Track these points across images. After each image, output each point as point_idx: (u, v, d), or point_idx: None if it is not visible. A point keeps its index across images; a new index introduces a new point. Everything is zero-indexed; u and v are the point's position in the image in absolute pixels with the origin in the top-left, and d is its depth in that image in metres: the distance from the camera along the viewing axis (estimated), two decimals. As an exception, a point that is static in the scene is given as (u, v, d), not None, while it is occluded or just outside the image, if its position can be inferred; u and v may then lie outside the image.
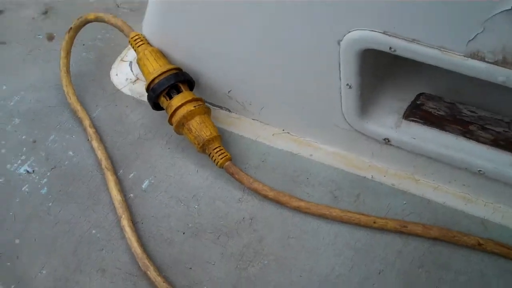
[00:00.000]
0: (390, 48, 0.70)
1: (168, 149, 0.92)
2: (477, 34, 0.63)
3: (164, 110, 0.89)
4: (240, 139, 0.92)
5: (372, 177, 0.87)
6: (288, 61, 0.82)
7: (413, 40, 0.68)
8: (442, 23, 0.65)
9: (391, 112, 0.83)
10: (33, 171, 0.90)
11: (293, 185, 0.87)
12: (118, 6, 1.17)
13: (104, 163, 0.88)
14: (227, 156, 0.86)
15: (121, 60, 1.04)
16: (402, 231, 0.80)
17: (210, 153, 0.86)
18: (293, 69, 0.83)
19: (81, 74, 1.02)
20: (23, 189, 0.88)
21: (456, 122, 0.79)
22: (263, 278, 0.78)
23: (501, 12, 0.61)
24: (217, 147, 0.86)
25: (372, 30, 0.70)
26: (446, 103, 0.81)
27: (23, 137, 0.94)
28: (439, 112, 0.80)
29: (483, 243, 0.78)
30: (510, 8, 0.60)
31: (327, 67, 0.78)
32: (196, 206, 0.85)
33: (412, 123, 0.81)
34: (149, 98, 0.89)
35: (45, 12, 1.17)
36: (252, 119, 0.94)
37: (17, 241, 0.82)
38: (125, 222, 0.81)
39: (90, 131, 0.92)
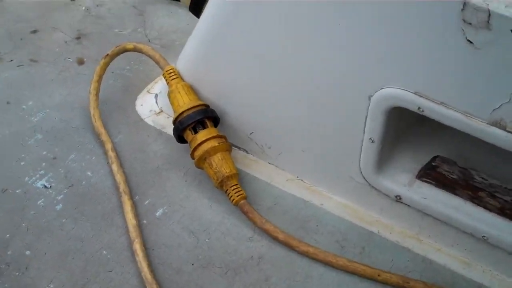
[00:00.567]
0: (419, 108, 0.72)
1: (185, 181, 0.93)
2: (503, 103, 0.66)
3: (186, 144, 0.91)
4: (255, 180, 0.94)
5: (378, 232, 0.88)
6: (315, 109, 0.84)
7: (441, 103, 0.71)
8: (471, 89, 0.68)
9: (405, 170, 0.85)
10: (50, 186, 0.91)
11: (302, 230, 0.88)
12: (149, 41, 1.19)
13: (122, 186, 0.89)
14: (242, 195, 0.87)
15: (147, 91, 1.06)
16: (404, 287, 0.81)
17: (227, 189, 0.88)
18: (319, 118, 0.85)
19: (107, 100, 1.04)
20: (38, 202, 0.89)
21: (467, 187, 0.82)
22: (267, 317, 0.78)
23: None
24: (234, 185, 0.88)
25: (404, 89, 0.73)
26: (459, 168, 0.83)
27: (44, 152, 0.96)
28: (452, 176, 0.83)
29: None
30: None
31: (353, 119, 0.80)
32: (207, 239, 0.86)
33: (425, 184, 0.83)
34: (175, 129, 0.91)
35: (78, 38, 1.19)
36: (269, 162, 0.95)
37: (27, 252, 0.82)
38: (137, 246, 0.82)
39: (112, 154, 0.93)
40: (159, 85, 1.05)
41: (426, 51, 0.71)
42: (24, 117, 1.02)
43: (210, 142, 0.88)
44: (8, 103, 1.05)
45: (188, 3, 1.05)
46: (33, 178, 0.92)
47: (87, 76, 1.07)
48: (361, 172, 0.86)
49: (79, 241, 0.84)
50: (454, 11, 0.66)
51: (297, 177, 0.94)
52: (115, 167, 0.92)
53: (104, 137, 0.96)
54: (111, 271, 0.81)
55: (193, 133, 0.89)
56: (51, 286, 0.79)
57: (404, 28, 0.71)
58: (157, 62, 0.96)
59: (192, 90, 0.92)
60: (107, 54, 0.99)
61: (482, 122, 0.69)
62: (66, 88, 1.08)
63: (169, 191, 0.92)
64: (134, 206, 0.88)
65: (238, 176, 0.90)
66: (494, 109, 0.67)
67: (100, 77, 0.99)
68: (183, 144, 0.93)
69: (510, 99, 0.66)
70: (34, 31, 1.20)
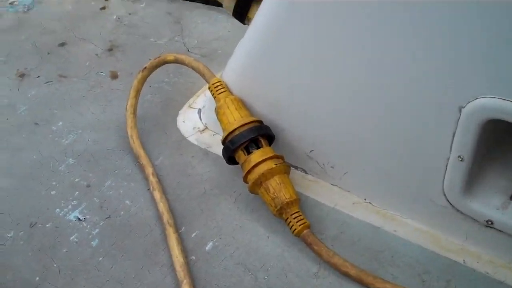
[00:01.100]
0: None
1: (236, 208, 0.85)
2: None
3: (236, 165, 0.84)
4: (316, 205, 0.86)
5: (464, 261, 0.79)
6: (389, 122, 0.77)
7: None
8: None
9: (498, 191, 0.76)
10: (84, 218, 0.84)
11: (376, 263, 0.79)
12: (188, 51, 1.15)
13: (166, 217, 0.81)
14: (306, 224, 0.78)
15: (189, 106, 1.01)
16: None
17: (288, 218, 0.79)
18: (394, 132, 0.77)
19: (145, 118, 0.99)
20: (71, 238, 0.82)
21: None
22: None
23: None
24: (295, 212, 0.79)
25: (504, 99, 0.64)
26: None
27: (76, 179, 0.90)
28: (554, 197, 0.74)
29: None
30: None
31: (438, 134, 0.72)
32: (265, 278, 0.77)
33: (522, 206, 0.74)
34: (225, 149, 0.83)
35: (110, 49, 1.16)
36: (331, 183, 0.88)
37: (60, 298, 0.75)
38: (186, 288, 0.73)
39: (153, 180, 0.86)
40: (202, 99, 1.01)
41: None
42: (54, 140, 0.97)
43: (266, 164, 0.80)
44: (36, 124, 1.00)
45: (232, 8, 0.98)
46: (65, 209, 0.86)
47: (121, 91, 1.03)
48: (445, 194, 0.77)
49: (118, 284, 0.76)
50: None
51: (365, 199, 0.86)
52: (157, 194, 0.85)
53: (144, 160, 0.90)
54: (156, 319, 0.73)
55: (246, 153, 0.82)
56: (88, 338, 0.71)
57: (506, 26, 0.62)
58: (202, 74, 0.90)
59: (243, 104, 0.86)
60: (145, 67, 0.93)
61: None
62: (99, 106, 1.03)
63: (219, 221, 0.84)
64: (180, 239, 0.80)
65: (299, 202, 0.81)
66: None
67: (138, 93, 0.94)
68: (232, 166, 0.86)
69: None
70: (62, 44, 1.18)
